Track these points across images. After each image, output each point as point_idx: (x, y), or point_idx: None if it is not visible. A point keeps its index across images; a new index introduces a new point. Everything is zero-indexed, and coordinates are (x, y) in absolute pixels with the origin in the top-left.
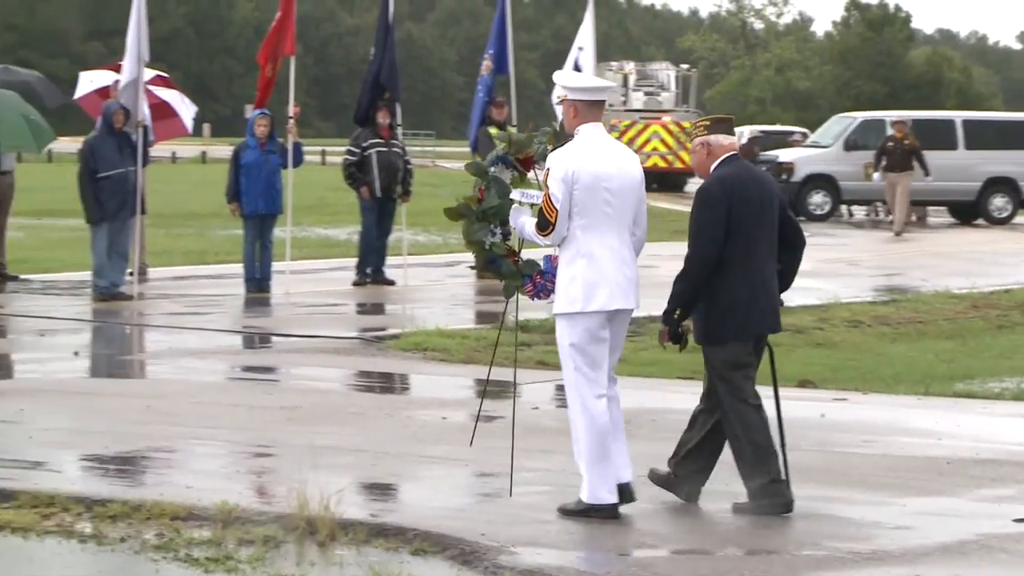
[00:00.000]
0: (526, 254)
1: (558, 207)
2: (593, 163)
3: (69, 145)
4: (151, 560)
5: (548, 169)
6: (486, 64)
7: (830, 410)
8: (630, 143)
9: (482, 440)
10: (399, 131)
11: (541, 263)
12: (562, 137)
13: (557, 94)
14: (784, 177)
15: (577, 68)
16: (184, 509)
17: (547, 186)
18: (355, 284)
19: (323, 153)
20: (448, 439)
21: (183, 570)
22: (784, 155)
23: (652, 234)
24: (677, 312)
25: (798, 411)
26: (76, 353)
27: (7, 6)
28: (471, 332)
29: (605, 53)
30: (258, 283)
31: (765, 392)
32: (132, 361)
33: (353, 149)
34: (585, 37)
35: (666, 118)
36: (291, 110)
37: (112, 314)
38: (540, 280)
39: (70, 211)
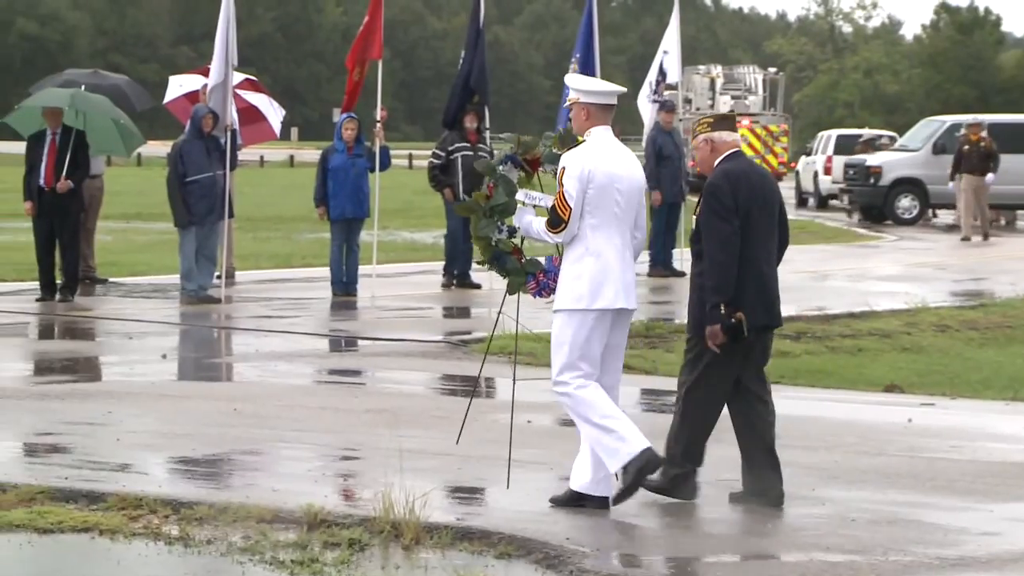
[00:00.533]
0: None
1: (572, 205)
2: (607, 164)
3: (158, 149)
4: (237, 562)
5: (563, 168)
6: (573, 68)
7: (917, 415)
8: None
9: (567, 444)
10: (487, 135)
11: (544, 260)
12: (568, 140)
13: (569, 97)
14: (872, 181)
15: (662, 72)
16: (270, 512)
17: (562, 184)
18: (442, 287)
19: (410, 157)
20: (533, 443)
21: (269, 572)
22: (872, 159)
23: None
24: (723, 308)
25: (885, 416)
26: (164, 356)
27: (98, 11)
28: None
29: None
30: (345, 287)
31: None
32: (219, 364)
33: (439, 152)
34: (670, 41)
35: (745, 121)
36: (378, 114)
37: (200, 317)
38: (543, 278)
39: (158, 215)
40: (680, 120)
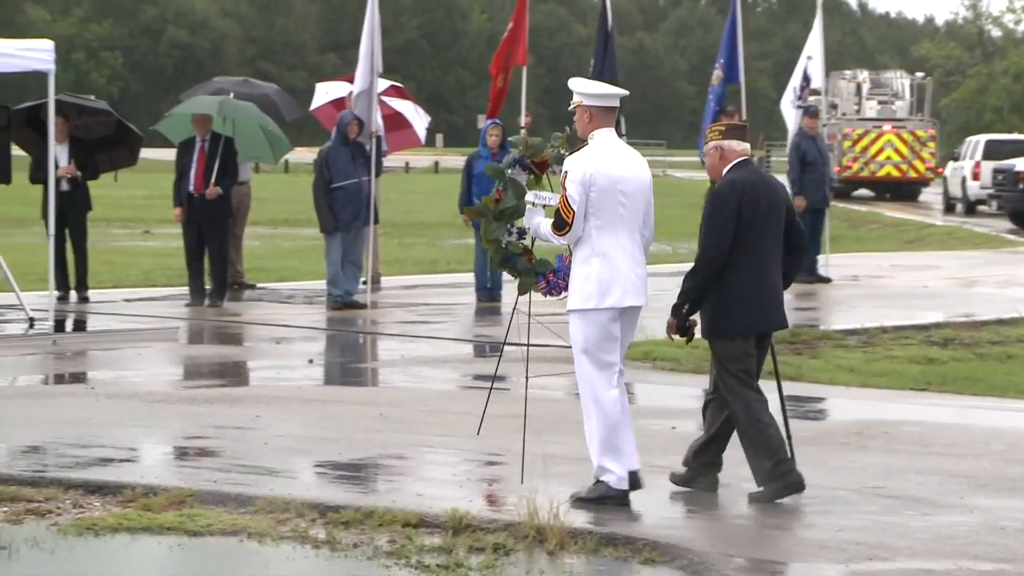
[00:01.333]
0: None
1: (575, 208)
2: (609, 166)
3: (305, 155)
4: (383, 566)
5: (566, 172)
6: (717, 73)
7: None
8: (863, 152)
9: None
10: (623, 140)
11: (554, 262)
12: (575, 142)
13: (572, 101)
14: (1021, 187)
15: (806, 77)
16: (416, 516)
17: (565, 188)
18: None
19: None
20: (677, 449)
21: None
22: (1021, 164)
23: (890, 243)
24: (686, 307)
25: None
26: (311, 361)
27: (247, 19)
28: (701, 342)
29: (838, 62)
30: (489, 292)
31: (768, 386)
32: (365, 369)
33: None
34: (814, 46)
35: (886, 126)
36: (523, 120)
37: (346, 322)
38: (553, 278)
39: (305, 221)
40: (824, 125)
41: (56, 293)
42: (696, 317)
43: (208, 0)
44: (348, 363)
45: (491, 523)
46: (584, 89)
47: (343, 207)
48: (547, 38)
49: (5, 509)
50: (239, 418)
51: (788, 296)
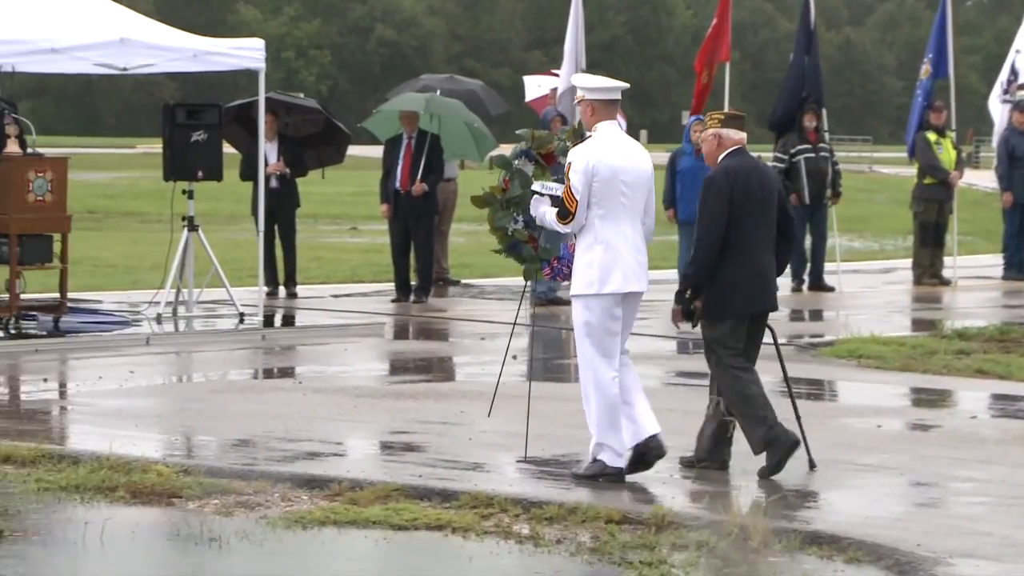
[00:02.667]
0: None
1: (578, 198)
2: (611, 158)
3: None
4: (586, 563)
5: (570, 163)
6: (925, 68)
7: None
8: None
9: (918, 448)
10: (826, 135)
11: (560, 249)
12: (580, 135)
13: (576, 95)
14: None
15: (1014, 72)
16: (618, 512)
17: (569, 179)
18: (792, 291)
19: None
20: (883, 447)
21: (617, 573)
22: None
23: None
24: (688, 292)
25: None
26: (515, 357)
27: (453, 17)
28: (907, 339)
29: None
30: None
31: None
32: (568, 365)
33: (781, 156)
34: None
35: None
36: None
37: (549, 318)
38: (557, 264)
39: None
40: None
41: (265, 289)
42: (699, 302)
43: None
44: (551, 359)
45: (694, 520)
46: (585, 84)
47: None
48: (752, 34)
49: (216, 502)
50: (444, 413)
51: (994, 294)
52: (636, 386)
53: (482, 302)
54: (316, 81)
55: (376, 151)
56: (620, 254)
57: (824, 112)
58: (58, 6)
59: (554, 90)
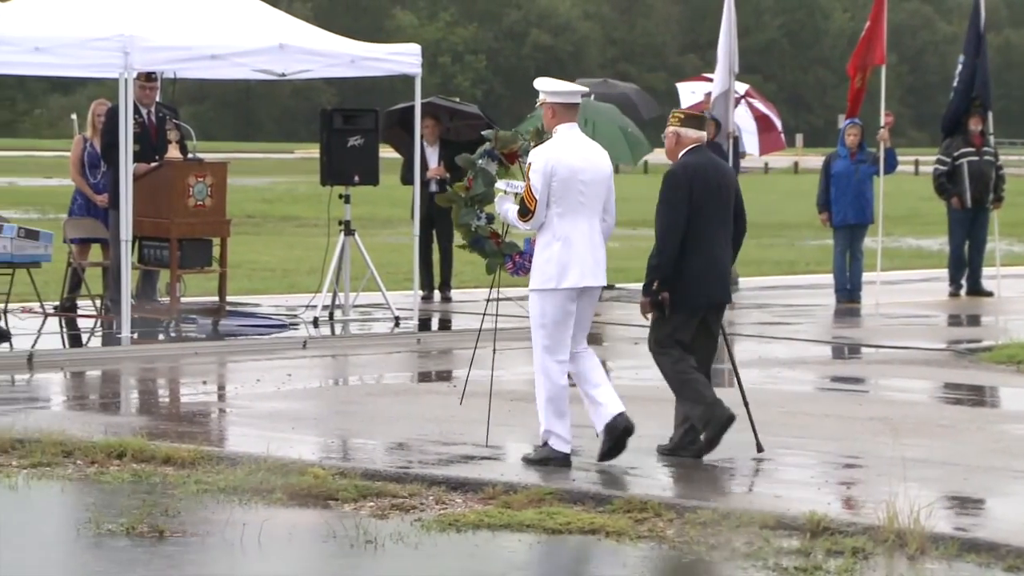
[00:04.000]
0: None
1: (537, 196)
2: (569, 158)
3: (664, 157)
4: (740, 568)
5: (530, 163)
6: None
7: None
8: None
9: None
10: (991, 139)
11: (522, 245)
12: (542, 136)
13: (539, 99)
14: None
15: None
16: (773, 518)
17: (528, 178)
18: (949, 296)
19: (916, 163)
20: None
21: None
22: None
23: None
24: (655, 285)
25: None
26: None
27: (609, 21)
28: None
29: None
30: (848, 293)
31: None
32: (722, 370)
33: (943, 159)
34: None
35: None
36: (883, 119)
37: None
38: (519, 259)
39: None
40: None
41: (420, 293)
42: (666, 293)
43: (571, 3)
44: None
45: (849, 526)
46: (546, 87)
47: None
48: (910, 36)
49: (372, 504)
50: None
51: None
52: (598, 371)
53: (636, 306)
54: (471, 86)
55: None
56: (577, 251)
57: (990, 115)
58: (219, 13)
59: (708, 95)
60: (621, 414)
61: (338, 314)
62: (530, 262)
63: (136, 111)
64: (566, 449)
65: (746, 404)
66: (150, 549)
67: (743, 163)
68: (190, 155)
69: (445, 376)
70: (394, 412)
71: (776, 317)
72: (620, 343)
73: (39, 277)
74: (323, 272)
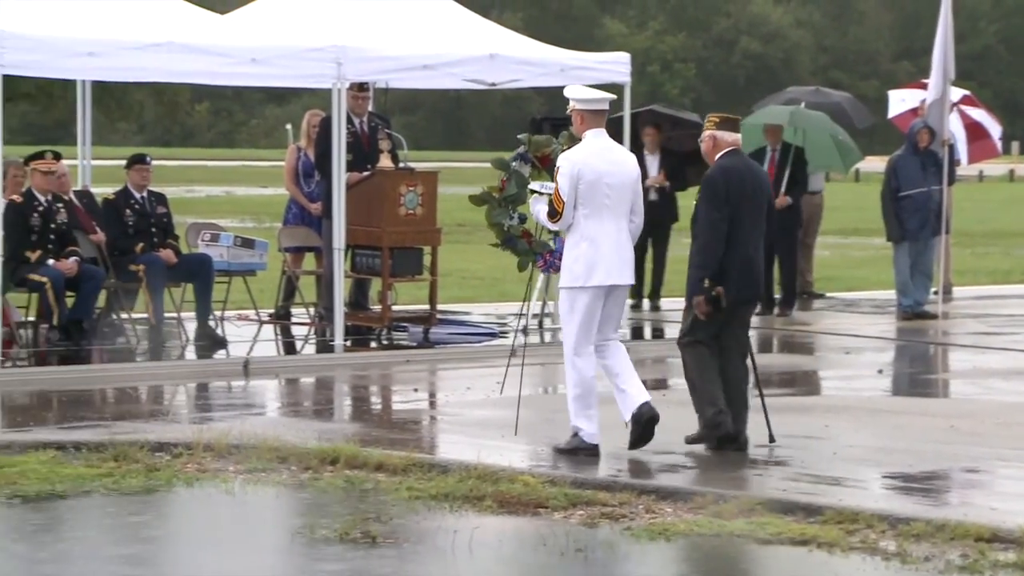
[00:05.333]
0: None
1: (565, 199)
2: (595, 162)
3: (875, 164)
4: None
5: (558, 167)
6: None
7: None
8: None
9: None
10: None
11: (554, 244)
12: (574, 141)
13: (568, 106)
14: None
15: None
16: (988, 530)
17: (556, 181)
18: None
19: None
20: None
21: None
22: None
23: None
24: (706, 283)
25: None
26: (880, 371)
27: (820, 29)
28: None
29: None
30: None
31: None
32: (935, 380)
33: None
34: None
35: None
36: None
37: (916, 333)
38: (549, 258)
39: (875, 230)
40: None
41: (630, 301)
42: (720, 288)
43: (782, 11)
44: (918, 374)
45: None
46: (575, 95)
47: (910, 216)
48: None
49: (581, 512)
50: (808, 427)
51: None
52: (624, 362)
53: (847, 315)
54: (680, 94)
55: None
56: (604, 251)
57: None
58: (430, 23)
59: (923, 101)
60: (646, 403)
61: (547, 322)
62: (560, 261)
63: (349, 121)
64: (595, 441)
65: (761, 395)
66: (363, 555)
67: (958, 171)
68: (401, 164)
69: (661, 384)
70: (603, 420)
71: (991, 327)
72: (831, 352)
73: (254, 285)
74: (532, 280)
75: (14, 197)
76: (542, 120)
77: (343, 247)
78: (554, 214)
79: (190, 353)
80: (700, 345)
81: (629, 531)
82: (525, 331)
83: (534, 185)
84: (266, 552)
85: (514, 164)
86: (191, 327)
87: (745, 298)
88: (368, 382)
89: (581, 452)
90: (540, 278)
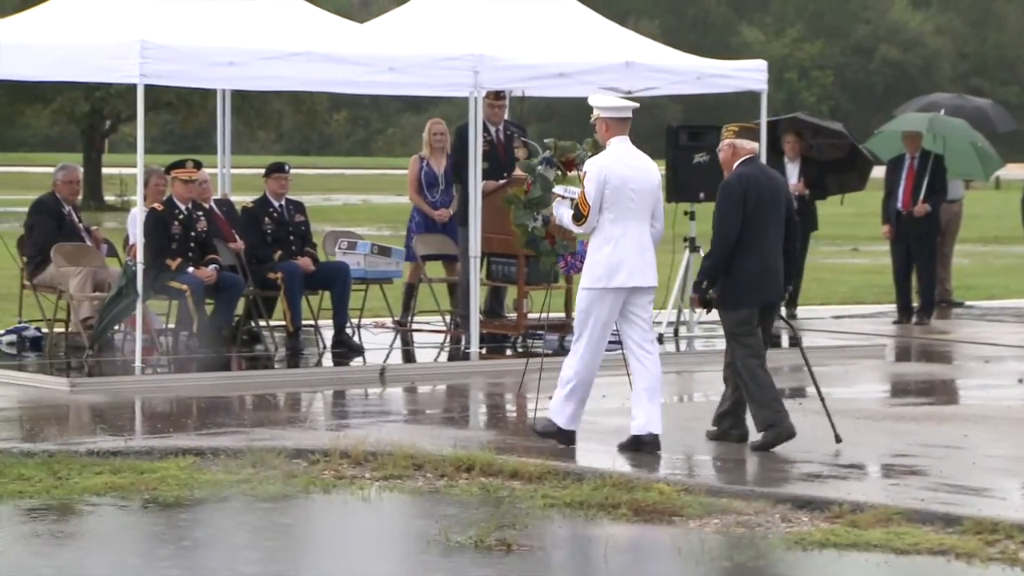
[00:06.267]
0: None
1: (591, 203)
2: (620, 168)
3: (1017, 172)
4: None
5: (584, 172)
6: None
7: None
8: None
9: None
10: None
11: (576, 246)
12: (599, 147)
13: (592, 114)
14: None
15: None
16: None
17: (583, 186)
18: None
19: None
20: None
21: None
22: None
23: None
24: (705, 283)
25: None
26: (1021, 380)
27: (960, 35)
28: None
29: None
30: None
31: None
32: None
33: None
34: None
35: None
36: None
37: None
38: (571, 259)
39: (1016, 238)
40: None
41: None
42: (713, 292)
43: (922, 18)
44: None
45: None
46: (600, 103)
47: None
48: None
49: (716, 521)
50: (946, 437)
51: None
52: (654, 388)
53: (986, 324)
54: (817, 102)
55: (879, 171)
56: (626, 254)
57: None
58: (565, 31)
59: None
60: (651, 434)
61: (683, 331)
62: (581, 262)
63: (485, 129)
64: (571, 426)
65: (821, 397)
66: (498, 562)
67: None
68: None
69: (797, 392)
70: (699, 417)
71: None
72: (970, 361)
73: (391, 293)
74: (668, 289)
75: (155, 205)
76: (679, 128)
77: (479, 255)
78: (579, 217)
79: (327, 360)
80: (749, 340)
81: (765, 540)
82: (661, 339)
83: (557, 189)
84: (401, 559)
85: (539, 168)
86: (328, 335)
87: (767, 301)
88: (503, 390)
89: (556, 436)
90: (676, 286)
